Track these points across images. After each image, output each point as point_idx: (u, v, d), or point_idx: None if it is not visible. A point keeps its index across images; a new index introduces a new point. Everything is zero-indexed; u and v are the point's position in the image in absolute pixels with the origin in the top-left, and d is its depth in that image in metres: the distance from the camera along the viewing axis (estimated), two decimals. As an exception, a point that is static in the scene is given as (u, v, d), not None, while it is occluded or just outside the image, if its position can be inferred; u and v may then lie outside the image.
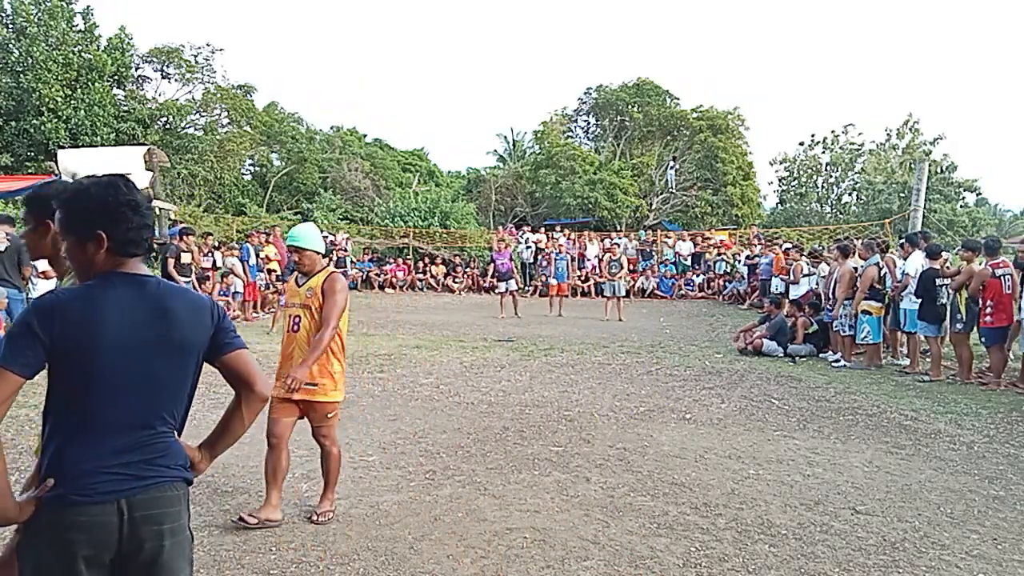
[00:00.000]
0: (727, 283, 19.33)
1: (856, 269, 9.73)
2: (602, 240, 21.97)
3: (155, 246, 12.69)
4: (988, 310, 8.18)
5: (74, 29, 22.79)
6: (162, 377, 1.85)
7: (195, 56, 27.48)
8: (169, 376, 1.86)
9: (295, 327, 3.93)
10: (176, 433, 1.91)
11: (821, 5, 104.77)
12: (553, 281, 16.27)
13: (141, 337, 1.80)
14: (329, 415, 3.97)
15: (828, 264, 11.13)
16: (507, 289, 15.14)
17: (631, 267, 19.27)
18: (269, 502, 3.88)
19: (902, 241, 10.33)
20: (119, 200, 1.82)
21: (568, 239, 21.92)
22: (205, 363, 1.96)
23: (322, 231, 18.28)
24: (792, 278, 12.61)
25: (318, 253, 4.03)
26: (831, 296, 10.04)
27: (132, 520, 1.75)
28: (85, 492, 1.71)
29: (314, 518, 3.96)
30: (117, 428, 1.78)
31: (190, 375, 1.92)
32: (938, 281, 8.52)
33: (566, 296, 16.48)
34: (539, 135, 36.08)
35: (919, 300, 8.70)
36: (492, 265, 16.24)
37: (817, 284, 11.81)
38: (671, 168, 32.38)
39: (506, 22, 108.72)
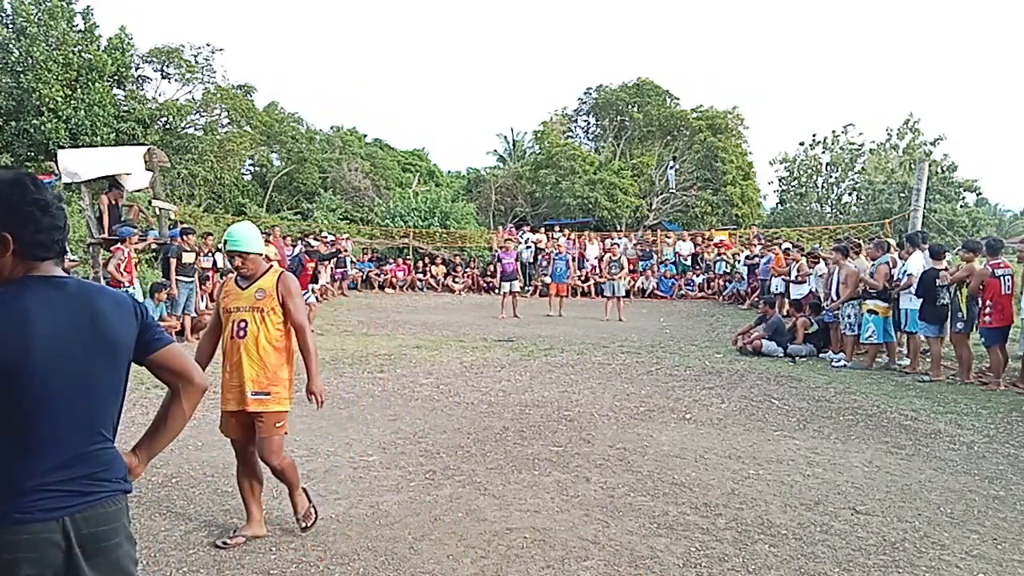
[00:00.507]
0: (727, 283, 19.34)
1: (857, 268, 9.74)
2: (602, 240, 22.00)
3: (155, 246, 12.70)
4: (987, 310, 8.19)
5: (74, 29, 22.77)
6: (99, 382, 1.77)
7: (195, 56, 27.47)
8: (106, 381, 1.78)
9: (240, 332, 3.63)
10: (113, 441, 1.84)
11: (821, 5, 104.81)
12: (548, 280, 16.28)
13: (74, 341, 1.70)
14: (278, 424, 3.70)
15: (827, 265, 11.13)
16: (510, 289, 15.19)
17: (631, 267, 19.29)
18: (252, 518, 3.74)
19: (901, 240, 10.34)
20: (26, 199, 1.69)
21: (568, 239, 21.94)
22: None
23: (323, 231, 18.26)
24: (797, 278, 12.56)
25: (259, 254, 3.76)
26: (834, 296, 10.03)
27: (78, 538, 1.69)
28: (26, 510, 1.63)
29: (300, 524, 3.80)
30: (57, 441, 1.69)
31: (123, 378, 1.84)
32: (938, 281, 8.52)
33: (565, 296, 16.47)
34: (539, 135, 36.11)
35: (920, 300, 8.70)
36: (499, 264, 16.31)
37: (817, 285, 11.79)
38: (671, 168, 32.40)
39: (506, 22, 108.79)
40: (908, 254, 9.36)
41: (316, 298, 13.26)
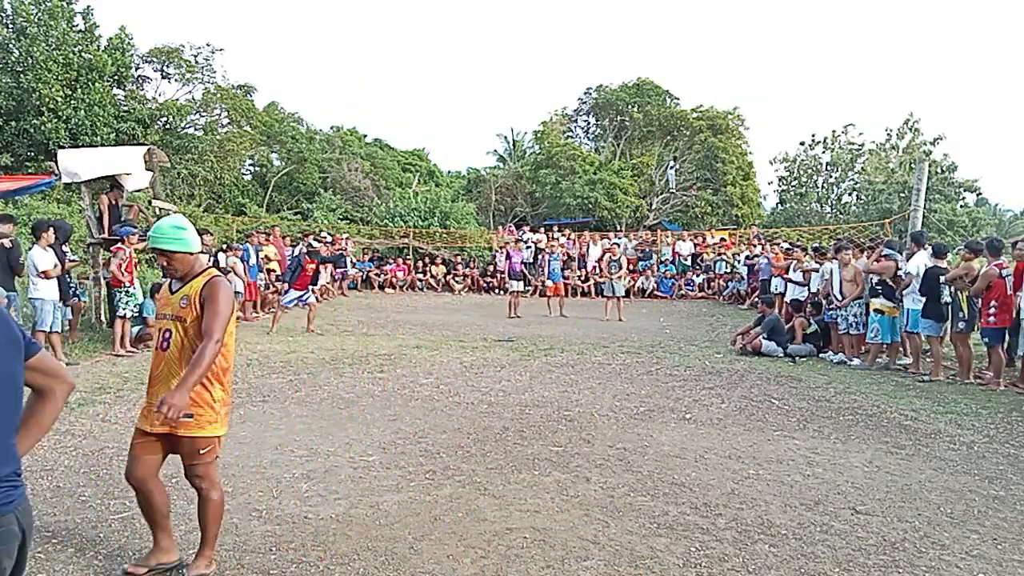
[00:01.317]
0: (727, 283, 19.35)
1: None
2: (602, 239, 22.03)
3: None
4: (992, 310, 8.16)
5: (74, 29, 22.79)
6: (15, 379, 1.82)
7: (195, 56, 27.52)
8: (18, 377, 1.83)
9: (164, 343, 3.22)
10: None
11: (821, 5, 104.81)
12: (550, 282, 16.38)
13: None
14: (201, 451, 3.22)
15: (828, 264, 11.11)
16: (517, 289, 15.47)
17: (631, 267, 19.30)
18: (158, 546, 3.30)
19: (904, 240, 10.35)
20: None
21: (568, 239, 21.95)
22: None
23: (323, 231, 18.13)
24: (802, 277, 12.51)
25: (190, 254, 3.29)
26: (837, 296, 10.04)
27: (27, 529, 1.76)
28: None
29: None
30: None
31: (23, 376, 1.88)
32: (942, 279, 8.53)
33: (564, 296, 16.52)
34: (539, 135, 36.15)
35: (923, 299, 8.71)
36: (508, 263, 16.50)
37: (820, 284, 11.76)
38: (671, 168, 32.44)
39: (506, 22, 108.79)
40: (912, 253, 9.35)
41: (316, 298, 13.25)
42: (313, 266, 12.28)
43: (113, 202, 10.89)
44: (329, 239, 19.23)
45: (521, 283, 15.86)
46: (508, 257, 16.59)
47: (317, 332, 11.65)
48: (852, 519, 4.13)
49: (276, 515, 4.03)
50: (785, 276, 13.38)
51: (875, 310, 9.34)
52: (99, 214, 10.71)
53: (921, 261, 8.99)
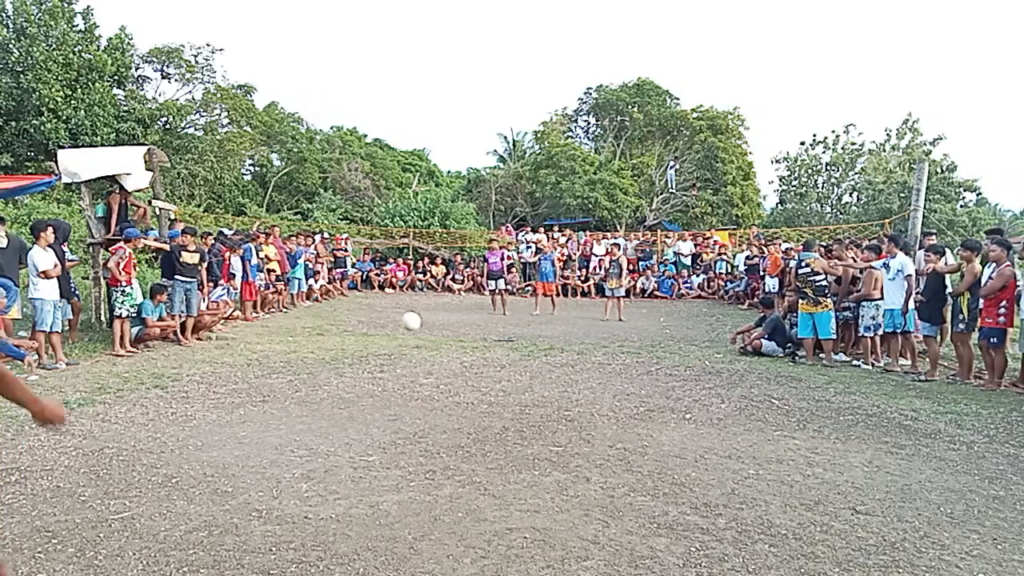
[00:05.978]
0: (727, 283, 19.34)
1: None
2: (603, 239, 22.05)
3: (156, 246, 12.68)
4: (1002, 310, 8.11)
5: (74, 29, 22.79)
6: None
7: (195, 56, 27.55)
8: None
9: None
10: None
11: (821, 5, 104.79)
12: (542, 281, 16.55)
13: None
14: None
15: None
16: (496, 288, 15.76)
17: (630, 267, 19.32)
18: None
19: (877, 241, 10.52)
20: None
21: (568, 239, 21.95)
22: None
23: (321, 231, 17.93)
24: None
25: None
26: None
27: None
28: None
29: None
30: None
31: None
32: (947, 282, 8.53)
33: (557, 296, 16.66)
34: (539, 135, 36.18)
35: (923, 299, 8.71)
36: (485, 264, 16.70)
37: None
38: (671, 168, 32.46)
39: (506, 22, 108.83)
40: (893, 254, 9.35)
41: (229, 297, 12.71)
42: (229, 254, 12.40)
43: (123, 200, 10.93)
44: (323, 234, 19.15)
45: (500, 282, 15.99)
46: (484, 259, 16.86)
47: (316, 332, 11.65)
48: (852, 519, 4.13)
49: (276, 515, 4.03)
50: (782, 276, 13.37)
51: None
52: (107, 213, 10.77)
53: (900, 263, 9.08)
